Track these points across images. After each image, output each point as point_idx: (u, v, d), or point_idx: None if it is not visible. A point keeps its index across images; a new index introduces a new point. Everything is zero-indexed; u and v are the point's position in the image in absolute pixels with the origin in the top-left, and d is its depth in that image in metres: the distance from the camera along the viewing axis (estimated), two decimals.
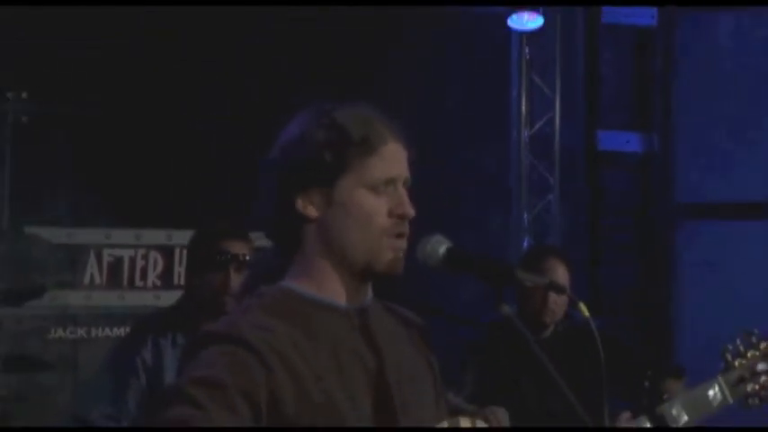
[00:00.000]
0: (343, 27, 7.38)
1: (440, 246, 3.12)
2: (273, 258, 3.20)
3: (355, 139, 3.04)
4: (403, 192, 3.07)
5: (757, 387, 3.61)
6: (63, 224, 7.26)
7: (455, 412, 3.36)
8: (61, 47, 6.81)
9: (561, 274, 5.92)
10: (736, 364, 3.63)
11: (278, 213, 3.11)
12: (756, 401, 3.64)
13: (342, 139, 3.04)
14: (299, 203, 3.05)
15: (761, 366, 3.62)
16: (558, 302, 5.82)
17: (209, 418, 2.82)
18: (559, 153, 8.34)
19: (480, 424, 3.31)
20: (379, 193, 3.06)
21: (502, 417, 5.57)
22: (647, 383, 5.10)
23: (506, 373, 5.51)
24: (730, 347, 3.64)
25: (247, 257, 5.30)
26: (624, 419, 3.52)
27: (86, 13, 6.81)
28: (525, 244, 8.19)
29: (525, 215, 8.35)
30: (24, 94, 6.92)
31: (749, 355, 3.63)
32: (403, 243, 3.06)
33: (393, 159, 3.09)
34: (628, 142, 8.37)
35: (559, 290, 5.70)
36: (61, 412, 6.34)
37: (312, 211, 3.06)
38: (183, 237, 6.39)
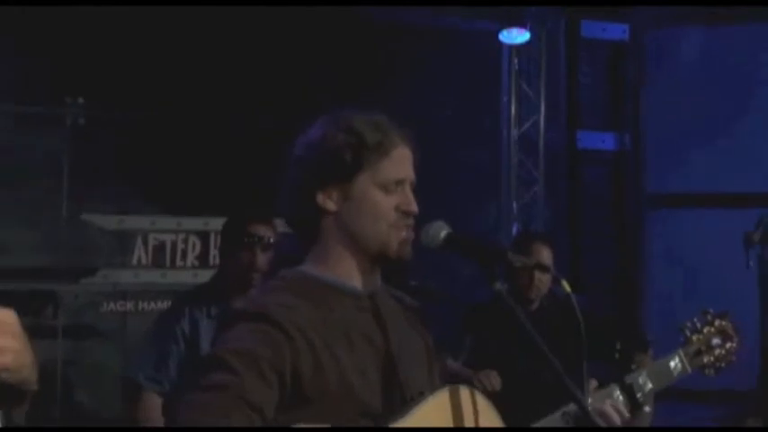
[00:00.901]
0: (358, 41, 7.37)
1: (441, 231, 3.11)
2: (293, 246, 3.17)
3: (371, 143, 3.05)
4: (409, 191, 3.09)
5: (712, 359, 3.58)
6: (114, 212, 7.23)
7: (454, 377, 3.27)
8: (111, 57, 6.78)
9: (546, 255, 5.95)
10: (694, 338, 3.59)
11: (299, 206, 3.11)
12: (712, 371, 3.61)
13: (359, 143, 3.04)
14: (320, 197, 3.06)
15: (715, 341, 3.59)
16: (542, 280, 5.85)
17: (243, 382, 2.83)
18: (544, 151, 8.31)
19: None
20: (389, 192, 3.08)
21: (494, 379, 5.52)
22: (617, 355, 5.00)
23: (498, 341, 5.44)
24: (689, 324, 3.60)
25: (271, 240, 5.32)
26: (592, 387, 3.43)
27: (132, 29, 6.81)
28: (514, 230, 8.18)
29: (514, 205, 8.34)
30: (81, 100, 6.90)
31: (705, 331, 3.60)
32: (410, 234, 3.07)
33: (402, 163, 3.10)
34: (603, 141, 8.35)
35: (544, 269, 5.69)
36: (112, 375, 6.29)
37: (330, 205, 3.07)
38: (217, 223, 6.35)
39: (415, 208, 3.06)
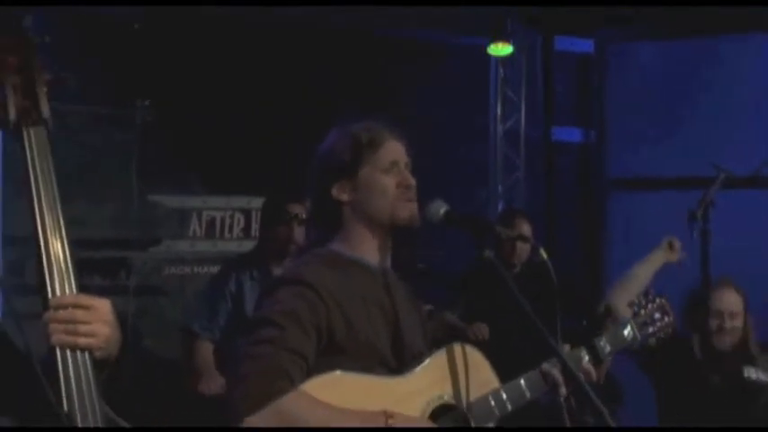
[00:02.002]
0: (371, 55, 7.38)
1: (440, 208, 3.15)
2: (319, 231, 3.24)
3: (365, 141, 3.12)
4: (405, 170, 3.13)
5: (655, 329, 3.66)
6: (174, 194, 7.23)
7: (449, 328, 3.27)
8: (172, 66, 6.76)
9: (526, 229, 6.03)
10: (642, 313, 3.65)
11: (322, 203, 3.17)
12: (653, 340, 3.69)
13: (356, 144, 3.12)
14: (335, 192, 3.12)
15: (656, 315, 3.66)
16: (523, 249, 5.91)
17: (288, 335, 2.89)
18: (524, 143, 8.28)
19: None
20: (388, 173, 3.12)
21: (484, 330, 5.52)
22: (585, 322, 5.00)
23: (488, 299, 5.44)
24: (636, 301, 3.68)
25: (304, 216, 5.25)
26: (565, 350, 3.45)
27: (189, 42, 6.80)
28: (500, 208, 8.15)
29: (500, 187, 8.31)
30: (147, 102, 6.87)
31: (649, 307, 3.66)
32: (413, 204, 3.10)
33: (393, 150, 3.14)
34: (572, 135, 8.33)
35: (525, 240, 5.69)
36: (173, 326, 6.29)
37: (345, 197, 3.12)
38: (258, 202, 6.40)
39: (412, 181, 3.10)
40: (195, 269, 7.08)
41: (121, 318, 7.15)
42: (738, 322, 5.11)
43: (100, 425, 2.28)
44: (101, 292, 7.33)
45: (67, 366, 2.24)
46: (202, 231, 7.24)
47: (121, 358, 2.40)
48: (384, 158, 3.10)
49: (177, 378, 5.58)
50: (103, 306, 2.30)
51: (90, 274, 6.78)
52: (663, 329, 3.67)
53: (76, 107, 6.64)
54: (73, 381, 2.25)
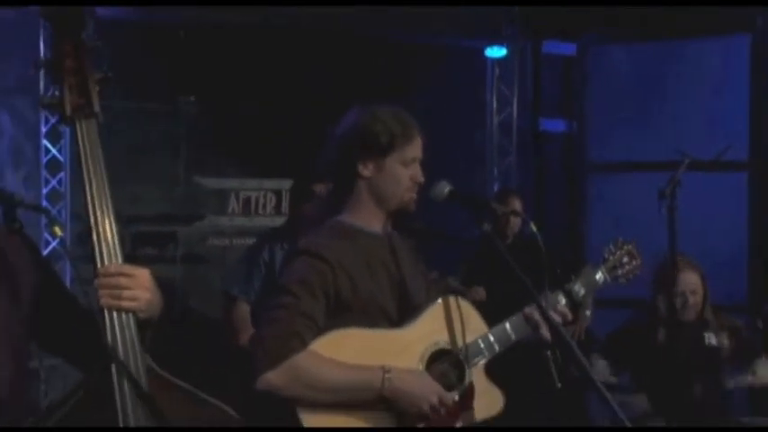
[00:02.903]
0: (388, 56, 7.33)
1: (445, 188, 3.12)
2: (333, 201, 3.22)
3: (399, 133, 3.05)
4: (418, 166, 3.10)
5: (624, 272, 3.54)
6: (215, 176, 7.22)
7: (449, 291, 3.26)
8: (213, 67, 6.74)
9: (518, 205, 6.02)
10: (611, 258, 3.54)
11: (342, 171, 3.12)
12: (623, 281, 3.56)
13: (392, 132, 3.05)
14: (360, 166, 3.06)
15: (625, 260, 3.55)
16: (515, 222, 5.84)
17: (301, 302, 2.91)
18: (516, 132, 8.24)
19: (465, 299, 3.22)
20: (407, 166, 3.08)
21: (481, 293, 5.48)
22: (558, 271, 4.96)
23: (485, 266, 5.41)
24: (607, 248, 3.57)
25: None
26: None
27: (229, 44, 6.72)
28: (495, 187, 8.12)
29: (495, 170, 8.29)
30: (192, 98, 6.87)
31: (617, 253, 3.55)
32: (415, 196, 3.10)
33: (417, 146, 3.10)
34: (557, 125, 8.29)
35: (517, 214, 5.64)
36: (215, 289, 6.29)
37: (366, 173, 3.07)
38: (287, 183, 6.45)
39: (421, 178, 3.09)
40: (233, 241, 7.09)
41: (170, 282, 7.12)
42: (699, 297, 5.12)
43: (142, 377, 2.31)
44: (153, 260, 7.37)
45: (114, 326, 2.28)
46: (239, 209, 7.25)
47: (163, 320, 2.43)
48: (409, 153, 3.06)
49: (219, 334, 5.59)
50: (144, 274, 2.33)
51: (144, 245, 6.80)
52: (631, 272, 3.56)
53: (134, 103, 6.67)
54: (119, 338, 2.28)
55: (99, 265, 2.30)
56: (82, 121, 2.41)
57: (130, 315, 2.30)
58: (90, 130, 2.39)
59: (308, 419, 2.88)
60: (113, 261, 2.32)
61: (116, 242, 2.37)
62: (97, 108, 2.40)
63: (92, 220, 2.32)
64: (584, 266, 3.49)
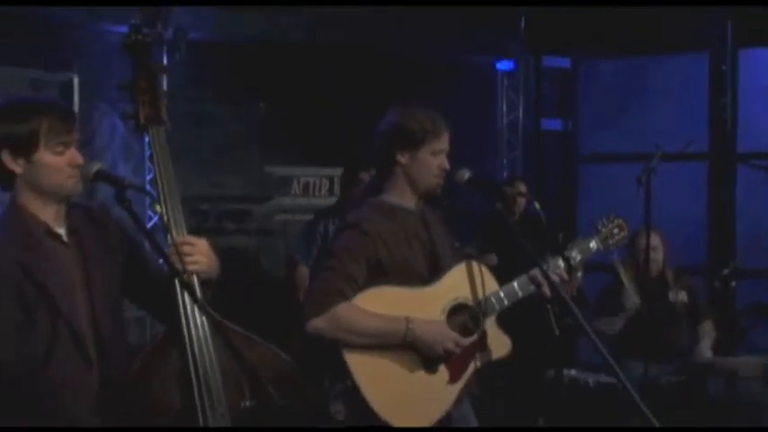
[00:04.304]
0: (415, 71, 7.20)
1: (465, 174, 3.10)
2: (375, 184, 3.19)
3: (431, 128, 3.02)
4: (445, 157, 3.08)
5: (614, 241, 3.47)
6: (281, 165, 7.20)
7: (468, 257, 3.24)
8: (280, 78, 6.71)
9: (523, 188, 5.94)
10: (603, 230, 3.46)
11: (385, 159, 3.08)
12: (614, 248, 3.52)
13: (424, 128, 3.02)
14: (398, 155, 3.03)
15: (615, 231, 3.47)
16: (521, 202, 5.76)
17: (345, 265, 2.92)
18: (521, 130, 8.16)
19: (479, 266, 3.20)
20: (436, 157, 3.04)
21: (492, 259, 5.41)
22: (559, 238, 4.89)
23: (497, 237, 5.36)
24: (600, 221, 3.48)
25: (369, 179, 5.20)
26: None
27: (292, 59, 6.68)
28: (504, 174, 8.05)
29: (504, 160, 8.20)
30: (262, 104, 6.91)
31: (609, 225, 3.47)
32: (441, 181, 3.09)
33: (445, 140, 3.08)
34: (555, 125, 8.15)
35: (523, 195, 5.55)
36: (281, 255, 6.33)
37: (403, 161, 3.04)
38: (338, 171, 6.37)
39: (448, 167, 3.06)
40: (295, 217, 7.07)
41: (246, 250, 7.15)
42: (660, 254, 5.08)
43: (206, 327, 2.38)
44: (233, 233, 7.37)
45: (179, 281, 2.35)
46: (300, 191, 7.23)
47: (221, 281, 2.49)
48: (438, 146, 3.05)
49: (284, 291, 5.61)
50: (203, 244, 2.42)
51: (226, 220, 6.83)
52: (620, 241, 3.50)
53: (218, 109, 6.71)
54: (186, 294, 2.35)
55: (169, 238, 2.39)
56: (153, 129, 2.49)
57: (194, 275, 2.37)
58: (159, 135, 2.52)
59: (348, 357, 2.91)
60: (180, 234, 2.40)
61: (182, 220, 2.44)
62: (165, 118, 2.51)
63: (163, 203, 2.43)
64: (577, 237, 3.45)
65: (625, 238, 3.55)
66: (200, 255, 2.39)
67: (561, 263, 3.23)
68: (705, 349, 4.94)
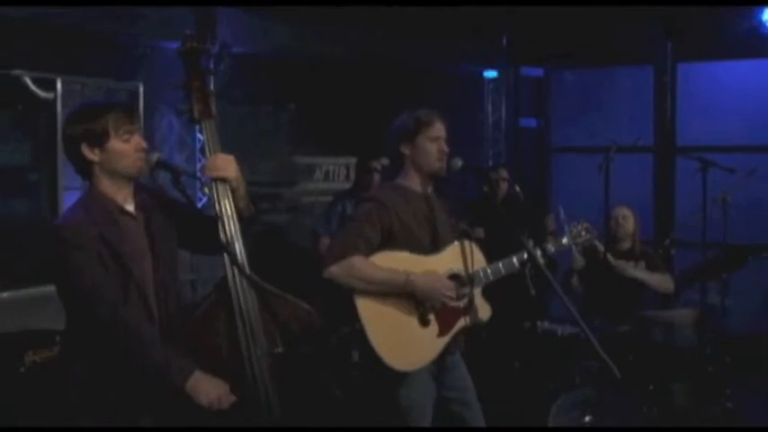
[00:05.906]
0: (417, 78, 7.08)
1: (458, 163, 3.09)
2: (389, 173, 3.20)
3: (424, 119, 3.01)
4: (443, 142, 3.05)
5: (582, 240, 3.50)
6: (307, 155, 7.11)
7: (463, 231, 3.23)
8: (306, 83, 6.65)
9: (506, 174, 5.82)
10: (574, 230, 3.49)
11: (393, 152, 3.07)
12: (581, 245, 3.55)
13: (417, 120, 3.03)
14: (402, 147, 3.03)
15: (583, 232, 3.50)
16: (504, 187, 5.67)
17: (363, 229, 2.91)
18: (504, 129, 8.07)
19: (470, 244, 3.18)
20: (433, 142, 3.00)
21: (480, 233, 5.34)
22: (533, 211, 4.81)
23: (485, 215, 5.31)
24: (571, 224, 3.51)
25: (379, 168, 5.22)
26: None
27: (317, 68, 6.61)
28: (490, 163, 7.95)
29: (490, 152, 8.10)
30: (292, 105, 6.79)
31: (579, 227, 3.51)
32: (443, 163, 3.04)
33: (439, 128, 3.07)
34: (531, 123, 8.09)
35: (505, 180, 5.46)
36: (307, 229, 6.32)
37: (407, 152, 3.06)
38: (353, 160, 6.30)
39: (446, 150, 3.03)
40: (318, 198, 7.01)
41: (278, 225, 7.13)
42: (630, 224, 5.00)
43: (245, 259, 2.42)
44: (267, 212, 7.33)
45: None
46: (322, 177, 7.15)
47: (252, 200, 2.57)
48: (432, 133, 3.03)
49: (309, 259, 5.61)
50: (231, 160, 2.50)
51: (261, 201, 6.74)
52: (587, 240, 3.51)
53: (256, 108, 6.64)
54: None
55: (214, 187, 2.47)
56: (205, 122, 2.53)
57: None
58: (211, 126, 2.53)
59: (359, 303, 2.91)
60: (223, 209, 2.46)
61: (225, 193, 2.51)
62: (214, 112, 2.55)
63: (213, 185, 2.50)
64: (553, 235, 3.47)
65: (594, 238, 3.54)
66: (229, 165, 2.47)
67: (539, 251, 3.23)
68: (640, 271, 4.79)
